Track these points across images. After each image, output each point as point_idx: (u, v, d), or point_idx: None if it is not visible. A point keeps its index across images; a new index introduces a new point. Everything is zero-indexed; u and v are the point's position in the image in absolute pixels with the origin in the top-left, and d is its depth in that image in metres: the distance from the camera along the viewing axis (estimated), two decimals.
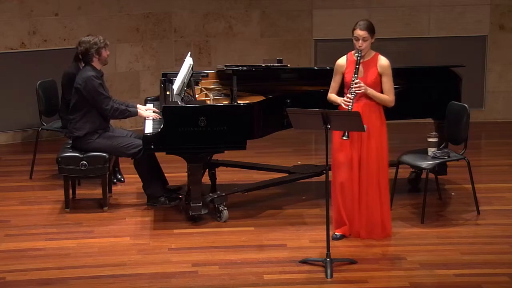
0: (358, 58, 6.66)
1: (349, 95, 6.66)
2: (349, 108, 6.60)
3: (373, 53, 6.77)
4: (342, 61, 6.81)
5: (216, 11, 10.50)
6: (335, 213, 6.83)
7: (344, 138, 6.50)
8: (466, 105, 7.38)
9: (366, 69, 6.73)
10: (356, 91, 6.63)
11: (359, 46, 6.64)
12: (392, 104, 6.76)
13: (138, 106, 7.81)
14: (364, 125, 6.34)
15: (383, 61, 6.74)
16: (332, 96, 6.86)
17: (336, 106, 6.80)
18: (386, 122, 6.83)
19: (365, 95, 6.69)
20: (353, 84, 6.63)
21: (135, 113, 7.62)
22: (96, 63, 7.55)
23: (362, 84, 6.63)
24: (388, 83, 6.73)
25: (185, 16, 10.51)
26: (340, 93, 6.83)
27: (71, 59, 8.41)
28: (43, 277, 6.23)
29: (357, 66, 6.66)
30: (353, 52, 6.73)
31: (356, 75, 6.64)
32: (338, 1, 10.46)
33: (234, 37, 10.57)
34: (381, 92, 6.74)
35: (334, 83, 6.87)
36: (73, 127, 7.58)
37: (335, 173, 6.77)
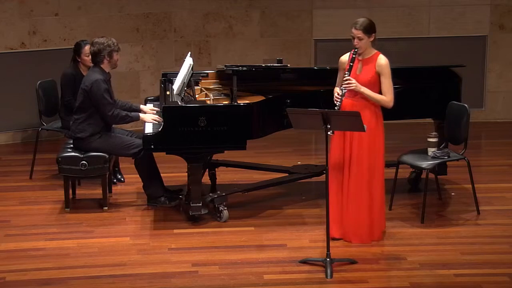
0: (354, 56, 6.67)
1: (338, 91, 6.67)
2: (338, 104, 6.59)
3: (374, 51, 6.75)
4: (344, 57, 6.83)
5: (216, 11, 10.50)
6: (332, 215, 6.80)
7: (329, 133, 6.44)
8: (466, 105, 7.38)
9: (364, 67, 6.72)
10: (346, 88, 6.63)
11: (355, 45, 6.66)
12: (390, 104, 6.71)
13: (142, 107, 7.81)
14: (365, 125, 6.34)
15: (381, 60, 6.70)
16: (335, 90, 6.86)
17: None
18: (383, 122, 6.81)
19: (360, 94, 6.67)
20: (344, 81, 6.64)
21: (137, 118, 7.60)
22: (105, 66, 7.55)
23: (352, 81, 6.62)
24: (386, 83, 6.69)
25: (185, 16, 10.51)
26: None
27: (70, 60, 8.43)
28: (43, 277, 6.23)
29: (350, 64, 6.66)
30: None
31: (348, 72, 6.65)
32: (338, 1, 10.46)
33: (234, 37, 10.57)
34: (380, 92, 6.73)
35: (338, 79, 6.89)
36: (76, 128, 7.57)
37: (331, 174, 6.75)
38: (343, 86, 6.63)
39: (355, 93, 6.68)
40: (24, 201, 7.91)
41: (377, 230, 6.83)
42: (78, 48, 8.33)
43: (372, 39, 6.67)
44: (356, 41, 6.64)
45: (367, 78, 6.69)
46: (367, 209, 6.73)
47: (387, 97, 6.69)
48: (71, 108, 8.04)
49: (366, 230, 6.77)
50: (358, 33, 6.63)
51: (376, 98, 6.69)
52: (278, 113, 7.31)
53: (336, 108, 6.59)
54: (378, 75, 6.70)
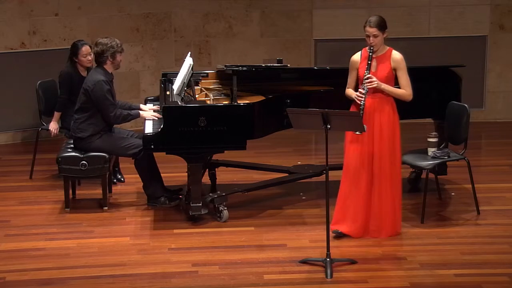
0: (370, 54, 6.69)
1: (361, 90, 6.69)
2: (362, 103, 6.63)
3: (387, 48, 6.79)
4: (356, 57, 6.84)
5: (216, 11, 10.50)
6: (339, 208, 6.84)
7: (357, 133, 6.52)
8: (466, 105, 7.38)
9: (379, 64, 6.75)
10: (367, 87, 6.66)
11: (370, 43, 6.68)
12: (410, 97, 6.77)
13: (141, 106, 7.83)
14: (364, 125, 6.36)
15: (396, 55, 6.76)
16: (349, 91, 6.89)
17: (351, 101, 6.82)
18: (399, 119, 6.84)
19: (381, 90, 6.71)
20: (365, 79, 6.66)
21: (137, 115, 7.63)
22: (108, 66, 7.55)
23: (374, 79, 6.65)
24: (403, 77, 6.75)
25: (185, 16, 10.51)
26: (357, 89, 6.84)
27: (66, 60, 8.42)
28: (43, 277, 6.23)
29: (369, 62, 6.69)
30: (367, 47, 6.75)
31: (368, 71, 6.67)
32: (338, 1, 10.46)
33: (234, 37, 10.57)
34: (397, 87, 6.76)
35: (350, 79, 6.90)
36: (77, 128, 7.58)
37: (346, 166, 6.78)
38: (365, 85, 6.65)
39: (373, 90, 6.71)
40: (24, 201, 7.90)
41: (398, 223, 6.88)
42: (75, 49, 8.31)
43: (385, 35, 6.71)
44: (371, 39, 6.67)
45: (383, 75, 6.72)
46: (391, 204, 6.77)
47: (407, 90, 6.76)
48: (64, 106, 8.15)
49: (390, 223, 6.83)
50: (373, 30, 6.65)
51: (397, 93, 6.75)
52: (278, 113, 7.31)
53: (361, 107, 6.62)
54: (394, 70, 6.74)
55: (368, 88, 6.68)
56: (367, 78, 6.67)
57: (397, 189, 6.84)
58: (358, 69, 6.81)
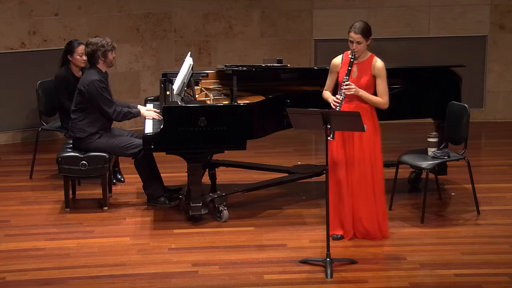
0: (352, 60, 6.67)
1: (338, 96, 6.66)
2: (337, 109, 6.59)
3: (369, 54, 6.76)
4: (337, 60, 6.83)
5: (216, 11, 10.51)
6: (332, 213, 6.83)
7: (329, 138, 6.46)
8: (466, 105, 7.38)
9: (360, 70, 6.73)
10: (345, 93, 6.63)
11: (353, 49, 6.66)
12: (385, 106, 6.73)
13: (139, 106, 7.83)
14: (364, 125, 6.35)
15: (377, 63, 6.72)
16: (326, 93, 6.88)
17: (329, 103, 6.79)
18: (379, 124, 6.82)
19: (357, 97, 6.69)
20: (343, 85, 6.64)
21: (138, 114, 7.64)
22: (101, 66, 7.56)
23: (352, 86, 6.63)
24: (381, 85, 6.71)
25: (185, 16, 10.51)
26: (335, 91, 6.81)
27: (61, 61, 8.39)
28: (43, 277, 6.23)
29: (349, 68, 6.66)
30: (349, 52, 6.73)
31: (347, 77, 6.65)
32: (338, 1, 10.46)
33: (234, 37, 10.57)
34: (375, 93, 6.73)
35: (329, 81, 6.89)
36: (75, 128, 7.58)
37: (330, 173, 6.77)
38: (343, 91, 6.63)
39: (352, 97, 6.68)
40: (24, 201, 7.91)
41: (384, 228, 6.85)
42: (71, 48, 8.30)
43: (369, 42, 6.69)
44: (355, 45, 6.65)
45: (364, 82, 6.70)
46: (374, 209, 6.76)
47: (383, 99, 6.72)
48: (67, 110, 8.10)
49: (376, 228, 6.81)
50: (357, 37, 6.64)
51: (374, 100, 6.71)
52: (278, 113, 7.32)
53: None
54: (374, 77, 6.71)
55: (345, 94, 6.65)
56: (346, 85, 6.65)
57: (380, 196, 6.81)
58: (338, 73, 6.79)
